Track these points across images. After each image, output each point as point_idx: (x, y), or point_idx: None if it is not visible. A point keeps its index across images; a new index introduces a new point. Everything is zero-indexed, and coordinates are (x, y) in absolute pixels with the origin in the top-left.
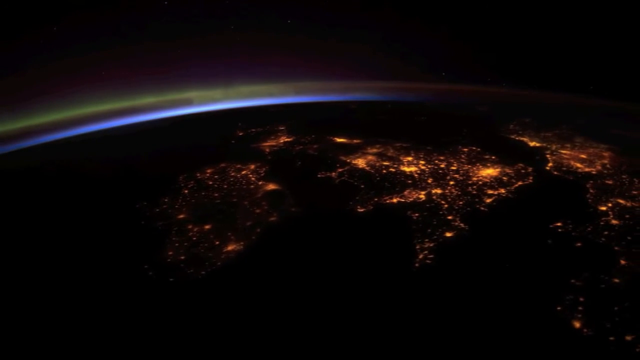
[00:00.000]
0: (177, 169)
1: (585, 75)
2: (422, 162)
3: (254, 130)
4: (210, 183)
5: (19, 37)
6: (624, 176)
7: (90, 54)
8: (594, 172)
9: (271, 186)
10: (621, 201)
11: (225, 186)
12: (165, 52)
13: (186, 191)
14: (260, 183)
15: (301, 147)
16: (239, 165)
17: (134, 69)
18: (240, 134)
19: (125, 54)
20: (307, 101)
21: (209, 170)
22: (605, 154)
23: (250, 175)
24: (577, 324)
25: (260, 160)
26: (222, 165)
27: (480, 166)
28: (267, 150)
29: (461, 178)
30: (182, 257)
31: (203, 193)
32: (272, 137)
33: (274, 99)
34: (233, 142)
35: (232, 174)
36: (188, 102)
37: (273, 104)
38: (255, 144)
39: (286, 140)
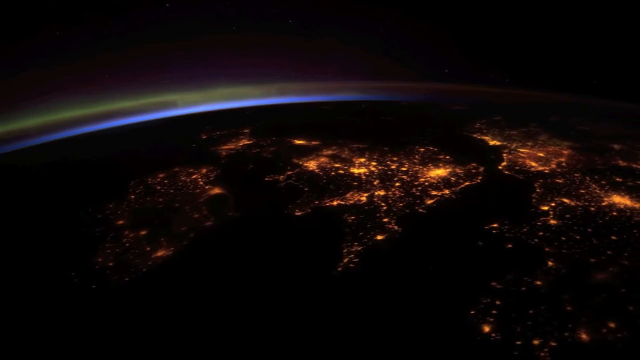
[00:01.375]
0: (131, 174)
1: (589, 74)
2: (374, 163)
3: (218, 132)
4: (159, 188)
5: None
6: (576, 174)
7: (90, 58)
8: (546, 171)
9: (216, 190)
10: (566, 200)
11: (172, 191)
12: (164, 55)
13: (133, 197)
14: (206, 187)
15: (258, 149)
16: (191, 170)
17: (131, 71)
18: (204, 137)
19: (124, 57)
20: (286, 102)
21: (160, 175)
22: (565, 152)
23: (200, 180)
24: (487, 329)
25: (213, 164)
26: (176, 169)
27: (432, 167)
28: (224, 153)
29: (408, 179)
30: (110, 264)
31: (148, 198)
32: (234, 140)
33: (256, 101)
34: (194, 145)
35: (183, 178)
36: (173, 105)
37: (251, 105)
38: (214, 147)
39: (246, 143)
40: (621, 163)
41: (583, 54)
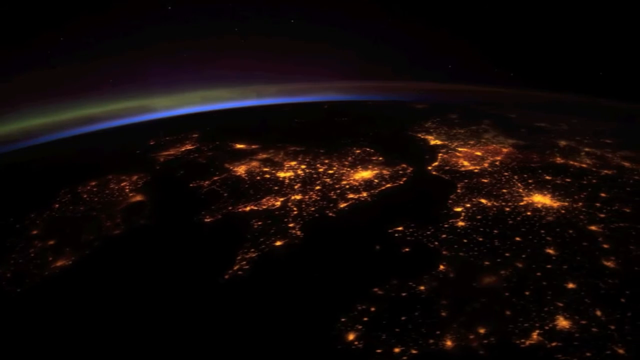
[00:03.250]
0: (64, 182)
1: (595, 70)
2: (303, 166)
3: (168, 138)
4: (85, 196)
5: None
6: (506, 173)
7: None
8: (476, 171)
9: (138, 198)
10: (483, 201)
11: (96, 199)
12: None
13: (57, 205)
14: (130, 195)
15: (196, 155)
16: (123, 177)
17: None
18: (152, 143)
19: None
20: (252, 105)
21: (92, 183)
22: (505, 150)
23: (127, 187)
24: (351, 337)
25: (146, 171)
26: (109, 177)
27: (360, 169)
28: (162, 159)
29: (331, 182)
30: (8, 275)
31: (71, 207)
32: (178, 145)
33: (232, 103)
34: (138, 151)
35: (112, 186)
36: (151, 110)
37: (223, 108)
38: (155, 153)
39: (188, 148)
40: (558, 160)
41: (587, 51)
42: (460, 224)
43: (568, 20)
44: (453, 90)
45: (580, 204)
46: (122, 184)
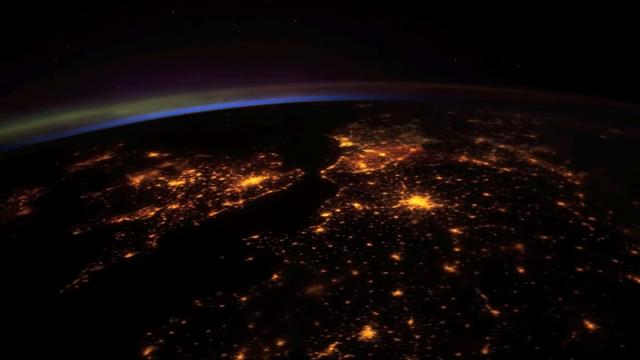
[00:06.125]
0: None
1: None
2: (199, 174)
3: (95, 148)
4: None
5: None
6: (397, 175)
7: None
8: (368, 173)
9: (24, 212)
10: (356, 205)
11: None
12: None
13: None
14: (21, 209)
15: (107, 165)
16: (25, 190)
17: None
18: (77, 153)
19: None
20: (202, 111)
21: None
22: (413, 150)
23: (22, 201)
24: (147, 351)
25: (49, 183)
26: (13, 190)
27: (253, 175)
28: (73, 170)
29: (215, 190)
30: None
31: None
32: (97, 156)
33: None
34: (57, 163)
35: (10, 200)
36: (112, 117)
37: (177, 114)
38: (71, 164)
39: (105, 158)
40: (462, 159)
41: (588, 49)
42: (319, 230)
43: (567, 20)
44: (432, 89)
45: (457, 205)
46: (20, 197)
